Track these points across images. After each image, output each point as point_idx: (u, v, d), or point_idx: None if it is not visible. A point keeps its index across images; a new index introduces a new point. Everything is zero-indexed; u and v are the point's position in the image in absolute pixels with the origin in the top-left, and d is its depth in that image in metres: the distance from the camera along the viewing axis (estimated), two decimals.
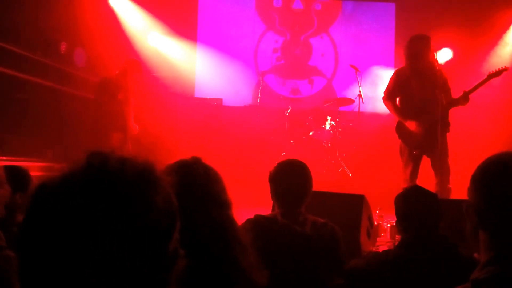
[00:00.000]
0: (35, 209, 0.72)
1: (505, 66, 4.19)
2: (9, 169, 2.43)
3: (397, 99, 4.47)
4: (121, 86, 5.23)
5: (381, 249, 3.39)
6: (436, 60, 4.18)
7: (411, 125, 4.30)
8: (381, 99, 4.54)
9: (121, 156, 0.77)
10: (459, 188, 4.75)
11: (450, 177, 4.28)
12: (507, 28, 6.93)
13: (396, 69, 4.60)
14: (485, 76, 4.14)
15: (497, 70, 4.14)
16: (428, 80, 4.19)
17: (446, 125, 4.28)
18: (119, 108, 5.14)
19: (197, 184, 1.38)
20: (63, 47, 5.07)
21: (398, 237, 3.45)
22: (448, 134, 4.36)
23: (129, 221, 0.70)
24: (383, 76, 7.57)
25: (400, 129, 4.37)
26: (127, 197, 0.72)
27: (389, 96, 4.45)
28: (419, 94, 4.26)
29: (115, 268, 0.69)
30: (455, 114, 4.50)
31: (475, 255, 2.09)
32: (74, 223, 0.68)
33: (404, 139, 4.39)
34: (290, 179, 2.25)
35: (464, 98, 4.13)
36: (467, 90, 4.14)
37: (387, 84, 4.53)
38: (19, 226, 0.73)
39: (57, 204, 0.70)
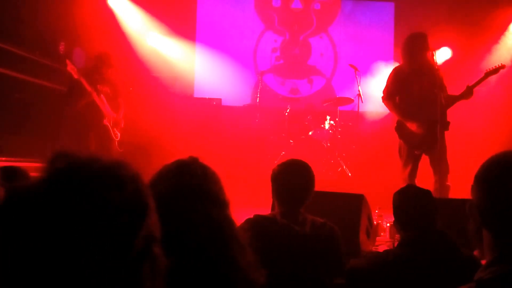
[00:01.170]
0: (3, 214, 0.76)
1: (501, 64, 4.21)
2: (5, 170, 2.43)
3: (397, 98, 4.46)
4: (98, 79, 5.24)
5: (380, 248, 3.40)
6: (434, 58, 4.18)
7: (411, 125, 4.31)
8: (381, 98, 4.54)
9: (87, 156, 0.81)
10: (458, 187, 4.77)
11: (448, 175, 4.29)
12: (506, 26, 6.93)
13: (394, 67, 4.59)
14: (483, 74, 4.16)
15: (494, 67, 4.18)
16: (426, 78, 4.19)
17: (445, 124, 4.29)
18: (95, 103, 5.13)
19: (195, 184, 1.38)
20: (61, 47, 5.07)
21: (397, 236, 3.45)
22: (446, 133, 4.36)
23: (87, 219, 0.73)
24: (382, 75, 7.60)
25: (400, 129, 4.38)
26: (86, 195, 0.75)
27: (388, 95, 4.43)
28: (418, 92, 4.25)
29: (79, 264, 0.72)
30: (453, 113, 4.49)
31: (475, 253, 2.09)
32: (38, 225, 0.72)
33: (404, 138, 4.39)
34: (293, 179, 2.24)
35: (468, 92, 4.14)
36: (470, 85, 4.15)
37: (385, 83, 4.52)
38: None
39: (21, 207, 0.74)
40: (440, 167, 4.27)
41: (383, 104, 4.60)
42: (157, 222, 0.84)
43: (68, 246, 0.72)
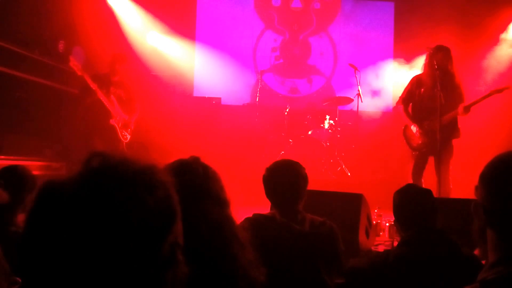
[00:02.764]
0: (37, 209, 0.76)
1: (508, 85, 4.40)
2: (5, 170, 2.43)
3: (410, 104, 4.73)
4: (112, 82, 5.24)
5: (379, 248, 3.40)
6: (455, 70, 4.39)
7: (414, 128, 4.58)
8: (395, 103, 4.85)
9: (121, 157, 0.81)
10: (460, 188, 4.80)
11: (450, 178, 4.42)
12: (506, 26, 6.94)
13: (414, 75, 4.79)
14: (487, 92, 4.35)
15: (500, 88, 4.35)
16: (444, 91, 4.38)
17: (455, 131, 4.52)
18: (102, 102, 5.14)
19: (196, 183, 1.38)
20: (61, 45, 5.06)
21: (397, 236, 3.46)
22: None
23: (120, 220, 0.73)
24: (382, 75, 7.60)
25: (405, 132, 4.70)
26: (119, 196, 0.75)
27: (402, 101, 4.71)
28: (430, 104, 4.45)
29: (108, 266, 0.72)
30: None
31: (476, 252, 2.09)
32: (70, 223, 0.72)
33: (406, 140, 4.69)
34: (280, 181, 2.25)
35: (465, 110, 4.37)
36: (467, 105, 4.37)
37: (403, 89, 4.78)
38: (24, 225, 0.77)
39: (56, 204, 0.74)
40: (441, 170, 4.44)
41: (382, 104, 4.78)
42: (181, 229, 0.84)
43: (97, 246, 0.72)
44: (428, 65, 4.49)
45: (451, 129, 4.46)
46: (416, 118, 4.60)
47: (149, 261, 0.75)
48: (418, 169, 4.63)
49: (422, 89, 4.54)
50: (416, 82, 4.63)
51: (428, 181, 4.66)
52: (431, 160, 4.65)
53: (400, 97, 4.76)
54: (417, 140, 4.57)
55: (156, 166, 0.83)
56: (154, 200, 0.77)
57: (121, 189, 0.75)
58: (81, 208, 0.73)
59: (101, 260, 0.71)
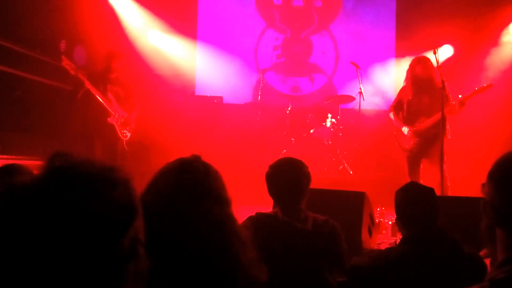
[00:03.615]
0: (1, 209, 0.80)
1: (491, 83, 4.76)
2: (3, 169, 2.42)
3: (400, 113, 5.07)
4: (108, 79, 5.23)
5: (382, 246, 3.39)
6: (437, 74, 4.61)
7: (406, 130, 4.91)
8: (388, 110, 5.21)
9: (83, 158, 0.86)
10: (459, 187, 4.81)
11: (446, 175, 4.51)
12: (507, 23, 6.91)
13: (401, 88, 5.15)
14: (471, 92, 4.68)
15: (483, 87, 4.70)
16: (427, 96, 4.79)
17: (444, 130, 4.65)
18: (99, 101, 5.13)
19: (197, 182, 1.38)
20: (62, 45, 5.05)
21: (399, 234, 3.45)
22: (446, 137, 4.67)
23: (81, 215, 0.78)
24: (384, 73, 7.58)
25: (397, 136, 5.05)
26: (81, 192, 0.80)
27: (393, 109, 5.11)
28: (417, 108, 4.86)
29: (69, 259, 0.76)
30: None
31: (484, 251, 2.08)
32: (32, 217, 0.76)
33: (399, 143, 5.02)
34: (283, 178, 2.26)
35: (461, 104, 4.67)
36: (464, 97, 4.66)
37: (394, 99, 5.22)
38: None
39: (17, 205, 0.78)
40: (437, 171, 4.57)
41: (384, 102, 4.97)
42: (142, 226, 0.89)
43: (58, 242, 0.75)
44: (409, 77, 4.89)
45: (440, 127, 4.57)
46: (407, 121, 4.96)
47: (110, 254, 0.80)
48: (413, 170, 4.91)
49: (410, 97, 4.90)
50: (402, 94, 5.01)
51: (427, 179, 4.70)
52: (424, 162, 4.91)
53: (391, 105, 5.16)
54: (409, 141, 4.90)
55: (117, 167, 0.88)
56: (115, 196, 0.82)
57: (82, 185, 0.80)
58: (41, 205, 0.77)
59: (62, 254, 0.75)
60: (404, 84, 5.02)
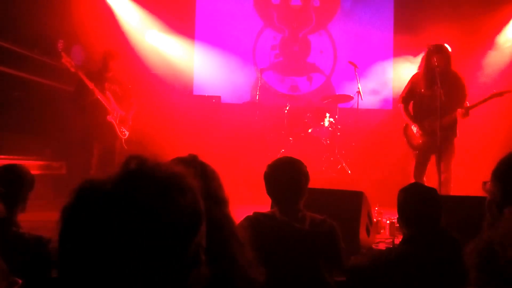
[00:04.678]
0: (75, 206, 0.81)
1: (510, 88, 4.39)
2: (6, 168, 2.42)
3: (411, 103, 4.71)
4: (106, 78, 5.23)
5: (380, 246, 3.39)
6: (454, 68, 4.37)
7: (414, 127, 4.59)
8: (396, 102, 4.91)
9: (155, 161, 0.87)
10: (459, 186, 4.81)
11: (451, 176, 4.42)
12: (505, 23, 6.92)
13: (412, 75, 4.75)
14: (488, 95, 4.33)
15: (501, 91, 4.35)
16: (442, 91, 4.32)
17: (454, 130, 4.51)
18: (98, 99, 5.13)
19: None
20: (60, 44, 5.04)
21: (398, 233, 3.45)
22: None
23: (154, 219, 0.78)
24: (382, 72, 7.58)
25: (406, 131, 4.71)
26: (155, 197, 0.80)
27: (403, 100, 4.72)
28: (430, 104, 4.45)
29: (140, 263, 0.76)
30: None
31: None
32: (107, 220, 0.77)
33: (407, 139, 4.70)
34: (282, 178, 2.25)
35: (464, 113, 4.35)
36: (468, 106, 4.37)
37: (404, 88, 4.78)
38: (60, 222, 0.81)
39: (94, 204, 0.79)
40: (442, 169, 4.41)
41: (382, 101, 4.79)
42: (205, 232, 0.90)
43: (131, 244, 0.76)
44: (426, 64, 4.46)
45: (451, 129, 4.46)
46: (416, 117, 4.60)
47: (178, 260, 0.81)
48: (420, 168, 4.63)
49: (423, 89, 4.52)
50: (416, 81, 4.61)
51: (429, 179, 4.66)
52: (432, 159, 4.63)
53: (400, 95, 4.77)
54: (418, 140, 4.58)
55: (185, 171, 0.89)
56: (185, 202, 0.83)
57: (156, 190, 0.81)
58: (118, 206, 0.78)
59: (134, 258, 0.76)
60: (417, 72, 4.62)
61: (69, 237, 0.79)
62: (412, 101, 4.68)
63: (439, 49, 4.39)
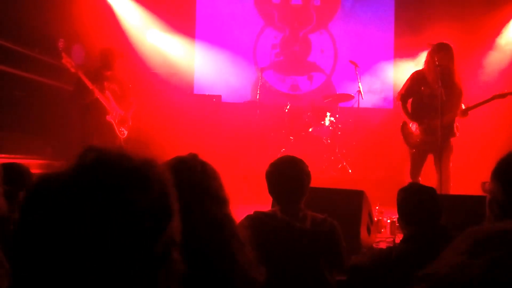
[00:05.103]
0: (29, 204, 0.76)
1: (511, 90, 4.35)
2: (6, 167, 2.42)
3: (409, 100, 4.68)
4: (105, 77, 5.23)
5: (381, 245, 3.39)
6: (456, 68, 4.35)
7: (413, 126, 4.55)
8: (394, 99, 4.92)
9: (117, 153, 0.79)
10: (458, 185, 4.81)
11: (450, 175, 4.40)
12: (506, 22, 6.91)
13: (414, 71, 4.74)
14: (490, 96, 4.30)
15: (503, 92, 4.32)
16: (443, 90, 4.30)
17: (453, 130, 4.48)
18: (98, 99, 5.12)
19: (194, 181, 1.37)
20: (61, 43, 5.04)
21: (398, 233, 3.45)
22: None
23: (111, 219, 0.72)
24: (383, 72, 7.58)
25: (403, 129, 4.64)
26: (111, 195, 0.73)
27: (401, 96, 4.67)
28: (429, 102, 4.43)
29: (97, 264, 0.71)
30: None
31: None
32: (61, 219, 0.71)
33: (404, 137, 4.65)
34: (284, 176, 2.25)
35: (463, 113, 4.35)
36: (469, 106, 4.35)
37: (403, 84, 4.75)
38: (15, 222, 0.77)
39: (47, 200, 0.73)
40: (442, 168, 4.40)
41: (383, 100, 4.77)
42: (179, 226, 0.83)
43: (87, 243, 0.71)
44: (429, 62, 4.44)
45: (450, 128, 4.45)
46: (415, 115, 4.57)
47: (142, 259, 0.74)
48: (416, 168, 4.59)
49: (423, 87, 4.50)
50: (416, 79, 4.58)
51: (428, 178, 4.65)
52: (429, 158, 4.63)
53: (399, 93, 4.73)
54: (416, 138, 4.54)
55: (153, 162, 0.81)
56: (148, 198, 0.76)
57: (113, 184, 0.74)
58: (72, 204, 0.72)
59: (89, 257, 0.70)
60: (420, 69, 4.60)
61: (22, 236, 0.74)
62: (410, 99, 4.64)
63: (442, 48, 4.37)
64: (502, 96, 4.30)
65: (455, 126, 4.47)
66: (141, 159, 0.80)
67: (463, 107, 4.40)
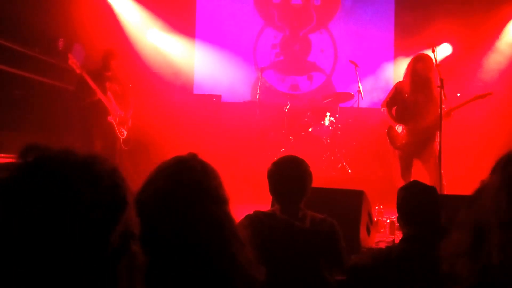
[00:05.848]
0: None
1: (491, 91, 4.70)
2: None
3: (393, 108, 4.97)
4: (106, 77, 5.23)
5: (381, 245, 3.39)
6: (436, 75, 4.53)
7: (400, 128, 4.81)
8: (381, 105, 5.09)
9: (60, 150, 0.79)
10: (454, 186, 4.81)
11: (442, 174, 4.48)
12: (506, 22, 6.91)
13: (396, 82, 5.06)
14: (470, 97, 4.61)
15: (484, 93, 4.62)
16: (424, 96, 4.70)
17: (434, 134, 4.70)
18: (100, 100, 5.13)
19: (194, 180, 1.37)
20: (60, 43, 5.05)
21: (398, 233, 3.45)
22: (445, 132, 4.60)
23: (57, 216, 0.72)
24: (383, 71, 7.58)
25: (389, 133, 4.92)
26: (55, 191, 0.73)
27: (386, 104, 4.98)
28: (413, 105, 4.75)
29: (50, 260, 0.71)
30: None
31: None
32: (6, 219, 0.71)
33: (390, 140, 4.90)
34: (287, 176, 2.25)
35: (447, 114, 4.57)
36: (452, 107, 4.61)
37: (387, 94, 5.08)
38: None
39: None
40: (430, 170, 4.67)
41: (383, 100, 5.05)
42: (135, 218, 0.82)
43: (36, 242, 0.70)
44: (409, 73, 4.76)
45: (434, 131, 4.63)
46: (400, 119, 4.84)
47: (97, 252, 0.74)
48: (406, 169, 4.82)
49: (406, 94, 4.79)
50: (398, 89, 4.89)
51: (420, 179, 4.67)
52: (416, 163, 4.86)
53: (384, 100, 5.02)
54: (401, 140, 4.80)
55: (98, 156, 0.82)
56: (95, 191, 0.76)
57: (57, 183, 0.74)
58: (15, 205, 0.71)
59: (42, 255, 0.70)
60: (402, 79, 4.92)
61: None
62: (395, 107, 4.93)
63: (421, 58, 4.72)
64: (482, 96, 4.58)
65: (437, 133, 4.60)
66: (87, 155, 0.80)
67: (444, 108, 4.57)
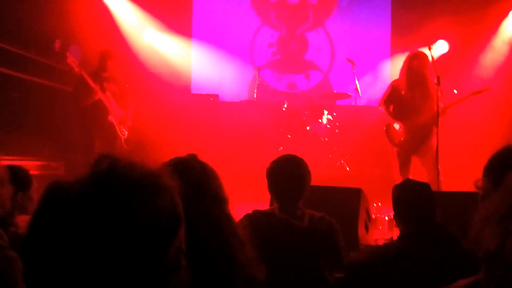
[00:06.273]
0: (44, 210, 0.76)
1: (488, 87, 4.78)
2: (11, 169, 2.42)
3: (391, 106, 5.01)
4: (104, 78, 5.23)
5: (379, 242, 3.41)
6: (432, 72, 4.59)
7: (398, 125, 4.86)
8: (378, 104, 5.15)
9: (129, 161, 0.82)
10: (451, 182, 4.83)
11: (440, 170, 4.49)
12: (502, 19, 6.92)
13: (393, 80, 5.11)
14: (466, 94, 4.65)
15: (479, 89, 4.67)
16: (420, 93, 4.75)
17: (431, 131, 4.74)
18: (100, 100, 5.13)
19: (193, 181, 1.38)
20: (57, 44, 5.04)
21: (396, 230, 3.46)
22: (443, 129, 4.68)
23: (129, 223, 0.74)
24: (380, 69, 7.60)
25: (388, 130, 4.98)
26: (127, 199, 0.75)
27: (383, 102, 5.03)
28: (409, 105, 4.80)
29: (114, 270, 0.72)
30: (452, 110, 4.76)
31: None
32: (77, 225, 0.72)
33: (389, 137, 4.95)
34: (286, 174, 2.25)
35: (442, 111, 4.58)
36: (447, 104, 4.64)
37: (384, 92, 5.12)
38: (28, 226, 0.76)
39: (63, 207, 0.74)
40: (428, 167, 4.70)
41: (380, 97, 5.12)
42: (184, 235, 0.85)
43: (103, 249, 0.72)
44: (405, 70, 4.80)
45: (431, 127, 4.67)
46: (398, 116, 4.88)
47: (156, 264, 0.76)
48: (404, 166, 4.87)
49: (403, 92, 4.82)
50: (395, 87, 4.93)
51: (419, 178, 4.69)
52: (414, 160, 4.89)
53: (381, 99, 5.06)
54: (400, 137, 4.85)
55: (161, 170, 0.84)
56: (160, 203, 0.78)
57: (129, 191, 0.76)
58: (89, 210, 0.73)
59: (107, 263, 0.71)
60: (398, 77, 4.95)
61: (35, 246, 0.74)
62: (392, 105, 4.96)
63: (416, 55, 4.74)
64: (479, 92, 4.63)
65: (434, 129, 4.65)
66: (150, 167, 0.83)
67: (441, 105, 4.59)
